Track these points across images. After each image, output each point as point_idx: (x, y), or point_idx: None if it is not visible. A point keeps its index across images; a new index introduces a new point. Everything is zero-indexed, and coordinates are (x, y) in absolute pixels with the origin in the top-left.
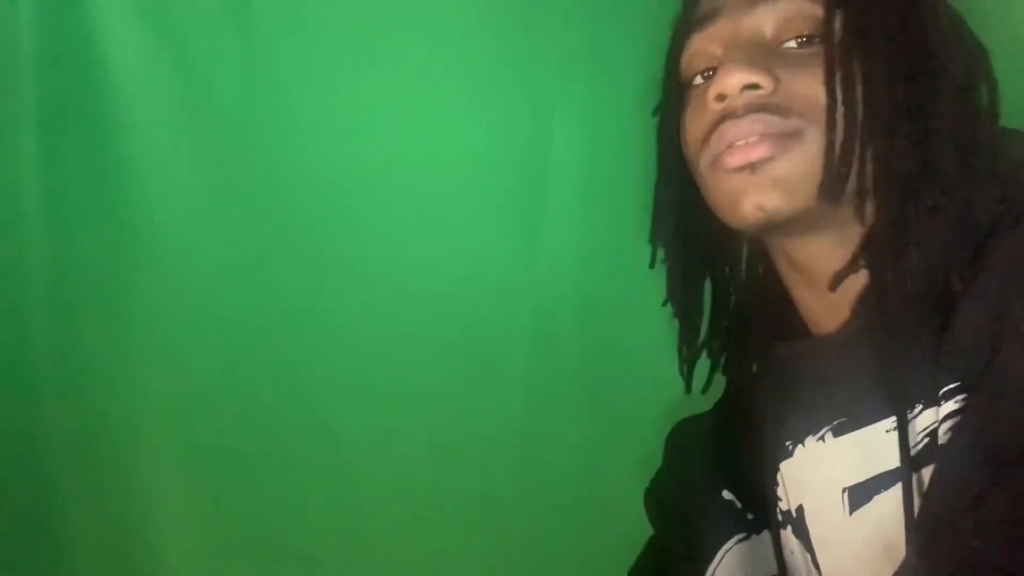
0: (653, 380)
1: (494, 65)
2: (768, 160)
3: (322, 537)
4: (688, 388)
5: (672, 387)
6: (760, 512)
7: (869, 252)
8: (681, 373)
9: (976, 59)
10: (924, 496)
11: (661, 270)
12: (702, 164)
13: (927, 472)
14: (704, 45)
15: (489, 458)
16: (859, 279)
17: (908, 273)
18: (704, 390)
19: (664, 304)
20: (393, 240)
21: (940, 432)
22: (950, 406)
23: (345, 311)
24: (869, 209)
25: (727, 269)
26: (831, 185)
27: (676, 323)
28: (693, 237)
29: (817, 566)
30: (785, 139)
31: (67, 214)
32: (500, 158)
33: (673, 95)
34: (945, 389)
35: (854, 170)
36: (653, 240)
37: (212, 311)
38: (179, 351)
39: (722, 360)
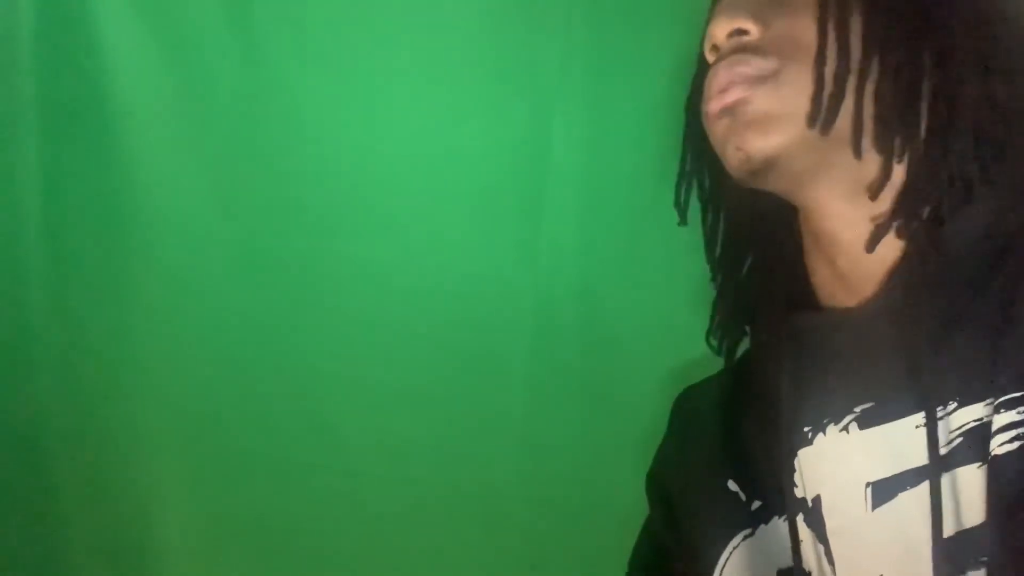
0: (654, 378)
1: (494, 65)
2: (743, 102)
3: (322, 536)
4: (719, 352)
5: (674, 384)
6: (769, 499)
7: (902, 210)
8: (716, 336)
9: None
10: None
11: (660, 268)
12: (703, 118)
13: (960, 473)
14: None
15: (489, 457)
16: (889, 252)
17: (944, 247)
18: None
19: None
20: (393, 239)
21: (998, 442)
22: (1011, 416)
23: (345, 310)
24: (868, 150)
25: (751, 232)
26: (820, 114)
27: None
28: (718, 198)
29: (831, 559)
30: (759, 80)
31: (67, 214)
32: (500, 157)
33: (702, 63)
34: (1005, 398)
35: (848, 103)
36: (677, 200)
37: (212, 310)
38: (179, 350)
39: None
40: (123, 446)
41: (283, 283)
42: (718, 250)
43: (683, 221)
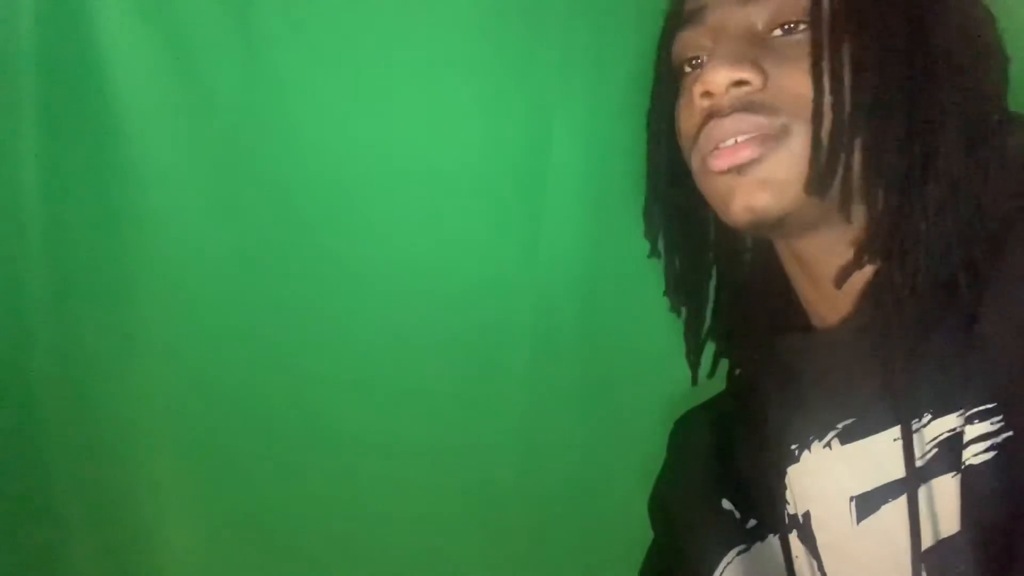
0: (653, 379)
1: (494, 65)
2: (755, 162)
3: (322, 537)
4: (695, 378)
5: (672, 386)
6: (762, 517)
7: (874, 249)
8: (688, 361)
9: (984, 32)
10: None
11: (660, 268)
12: (693, 162)
13: (937, 483)
14: (694, 38)
15: (489, 458)
16: (866, 272)
17: (914, 272)
18: (709, 376)
19: (664, 295)
20: (393, 240)
21: (971, 452)
22: (984, 427)
23: (345, 311)
24: (856, 207)
25: (725, 258)
26: (817, 181)
27: (678, 315)
28: (690, 225)
29: (823, 573)
30: (771, 139)
31: (67, 214)
32: (500, 158)
33: (664, 82)
34: (977, 410)
35: (841, 164)
36: (648, 231)
37: (212, 310)
38: (179, 351)
39: (726, 347)
40: (123, 446)
41: (282, 283)
42: (680, 270)
43: (655, 252)
